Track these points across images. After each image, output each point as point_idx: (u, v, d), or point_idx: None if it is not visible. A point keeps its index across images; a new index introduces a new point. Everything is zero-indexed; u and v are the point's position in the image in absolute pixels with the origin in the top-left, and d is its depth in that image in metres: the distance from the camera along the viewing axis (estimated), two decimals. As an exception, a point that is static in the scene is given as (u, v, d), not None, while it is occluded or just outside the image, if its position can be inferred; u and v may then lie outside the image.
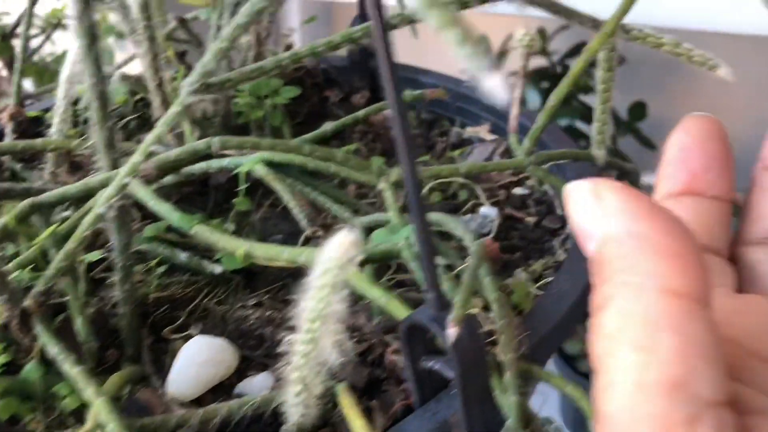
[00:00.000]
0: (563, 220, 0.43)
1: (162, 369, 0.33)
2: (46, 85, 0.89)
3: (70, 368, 0.29)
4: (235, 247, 0.35)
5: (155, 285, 0.37)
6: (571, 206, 0.18)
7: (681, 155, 0.25)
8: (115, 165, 0.34)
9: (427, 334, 0.28)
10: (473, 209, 0.44)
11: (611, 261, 0.17)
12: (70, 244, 0.31)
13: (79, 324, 0.32)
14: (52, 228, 0.32)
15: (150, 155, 0.33)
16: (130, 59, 0.50)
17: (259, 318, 0.36)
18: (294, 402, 0.28)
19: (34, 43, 0.98)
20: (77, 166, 0.50)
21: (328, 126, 0.50)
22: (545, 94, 0.81)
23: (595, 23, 0.33)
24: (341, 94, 0.58)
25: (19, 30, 0.96)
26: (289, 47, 0.56)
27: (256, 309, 0.36)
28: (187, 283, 0.38)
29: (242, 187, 0.40)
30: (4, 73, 1.07)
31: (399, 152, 0.25)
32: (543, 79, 0.80)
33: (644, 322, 0.16)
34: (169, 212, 0.37)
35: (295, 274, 0.39)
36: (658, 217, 0.17)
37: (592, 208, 0.18)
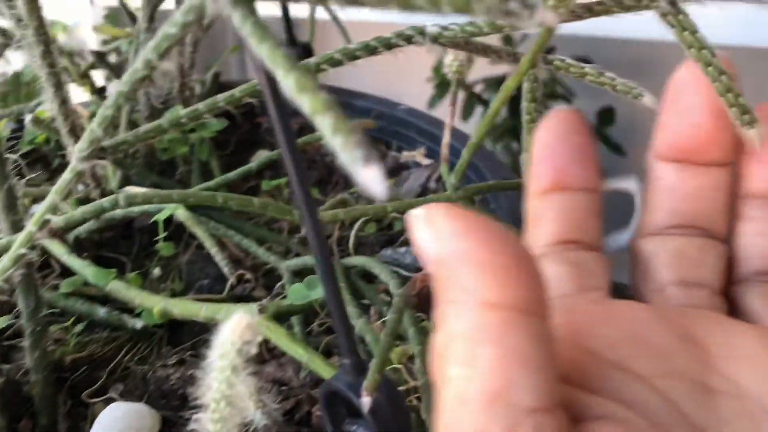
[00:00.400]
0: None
1: (79, 438, 0.32)
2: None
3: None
4: (152, 304, 0.33)
5: (73, 345, 0.36)
6: (412, 233, 0.18)
7: (545, 152, 0.25)
8: (16, 228, 0.32)
9: (338, 399, 0.27)
10: (406, 242, 0.43)
11: (442, 282, 0.18)
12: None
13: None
14: None
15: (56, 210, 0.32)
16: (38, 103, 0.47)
17: (181, 377, 0.34)
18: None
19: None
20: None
21: (262, 155, 0.49)
22: (510, 103, 0.81)
23: (515, 57, 0.32)
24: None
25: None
26: (216, 76, 0.54)
27: (179, 367, 0.35)
28: (107, 340, 0.36)
29: (162, 235, 0.38)
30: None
31: (302, 213, 0.23)
32: (496, 87, 0.79)
33: (465, 337, 0.17)
34: (83, 267, 0.35)
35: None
36: (482, 233, 0.17)
37: (426, 232, 0.18)
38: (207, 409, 0.24)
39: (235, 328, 0.22)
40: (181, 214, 0.39)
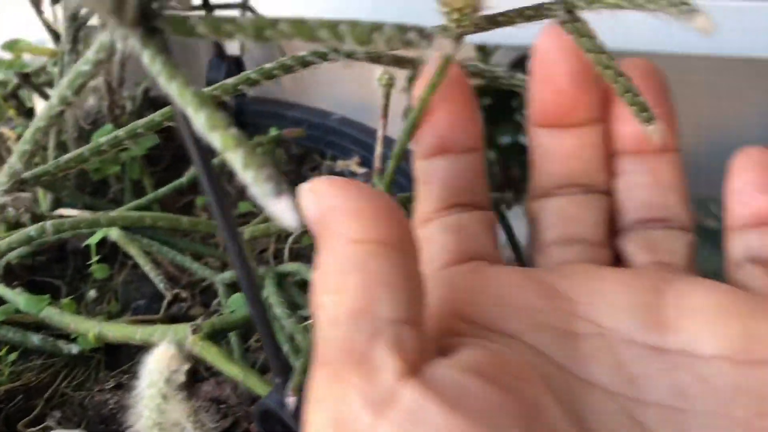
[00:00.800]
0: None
1: (16, 470, 0.32)
2: None
3: None
4: (87, 329, 0.33)
5: (7, 375, 0.35)
6: (302, 206, 0.20)
7: (426, 116, 0.26)
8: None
9: (271, 419, 0.28)
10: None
11: (319, 235, 0.20)
12: None
13: None
14: None
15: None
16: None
17: (119, 402, 0.34)
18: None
19: None
20: None
21: (183, 179, 0.48)
22: (487, 112, 0.81)
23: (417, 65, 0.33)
24: (207, 134, 0.56)
25: None
26: (146, 91, 0.54)
27: (117, 391, 0.35)
28: (42, 367, 0.36)
29: (95, 258, 0.38)
30: None
31: (219, 225, 0.24)
32: (484, 95, 0.80)
33: (335, 269, 0.19)
34: (14, 296, 0.35)
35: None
36: (353, 191, 0.20)
37: (310, 200, 0.20)
38: (141, 436, 0.25)
39: (161, 358, 0.22)
40: (114, 233, 0.39)
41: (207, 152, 0.22)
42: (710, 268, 0.27)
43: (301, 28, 0.19)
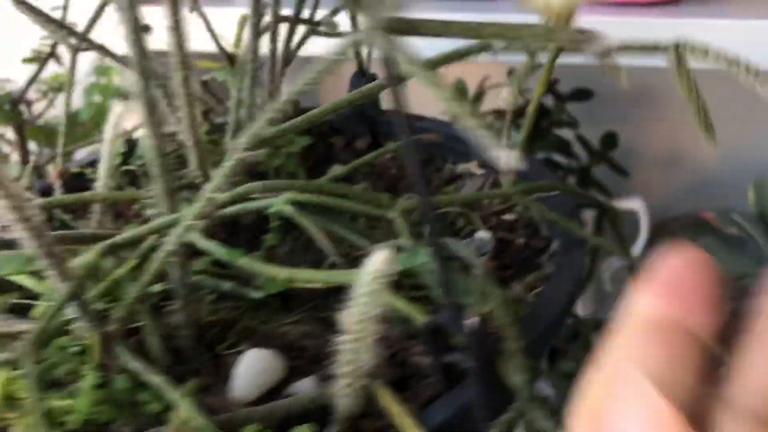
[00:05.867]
0: (548, 240, 0.50)
1: (220, 379, 0.40)
2: (51, 145, 0.97)
3: (154, 378, 0.36)
4: (278, 274, 0.41)
5: (207, 311, 0.44)
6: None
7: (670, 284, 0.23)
8: (174, 210, 0.40)
9: (446, 334, 0.35)
10: (470, 234, 0.51)
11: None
12: (146, 277, 0.38)
13: (154, 343, 0.38)
14: (130, 263, 0.39)
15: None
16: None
17: (298, 333, 0.42)
18: (342, 395, 0.34)
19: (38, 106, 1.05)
20: (119, 215, 0.56)
21: (337, 170, 0.57)
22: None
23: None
24: (345, 141, 0.65)
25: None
26: (296, 103, 0.63)
27: (296, 325, 0.43)
28: (232, 308, 0.45)
29: (274, 224, 0.47)
30: (11, 136, 1.14)
31: (416, 184, 0.32)
32: (519, 116, 0.88)
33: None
34: (217, 249, 0.44)
35: (323, 295, 0.46)
36: None
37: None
38: (346, 332, 0.33)
39: (380, 260, 0.30)
40: (288, 209, 0.47)
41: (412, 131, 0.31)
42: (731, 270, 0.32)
43: (504, 28, 0.27)
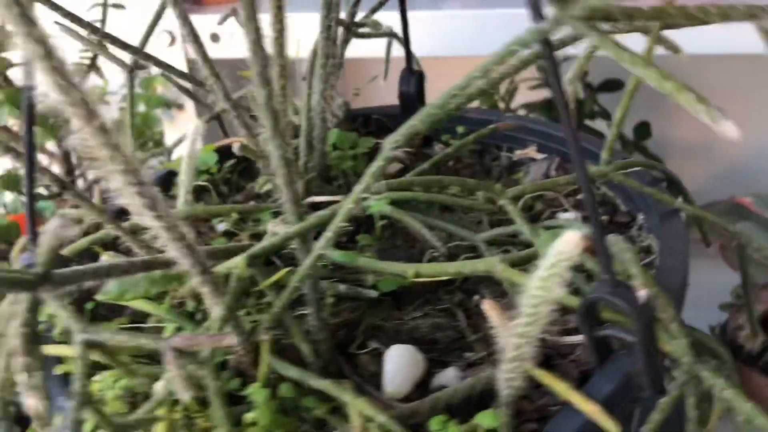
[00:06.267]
0: (631, 215, 0.52)
1: (363, 379, 0.40)
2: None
3: (319, 383, 0.36)
4: (403, 270, 0.42)
5: (329, 313, 0.44)
6: None
7: None
8: (301, 217, 0.41)
9: (597, 309, 0.36)
10: (550, 217, 0.53)
11: None
12: (294, 283, 0.38)
13: (305, 349, 0.39)
14: (282, 272, 0.40)
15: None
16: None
17: (427, 326, 0.43)
18: (507, 378, 0.35)
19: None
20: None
21: (396, 167, 0.58)
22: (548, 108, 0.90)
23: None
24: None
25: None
26: (347, 104, 0.64)
27: (423, 319, 0.44)
28: (350, 309, 0.45)
29: (379, 223, 0.48)
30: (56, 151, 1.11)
31: (576, 164, 0.33)
32: (555, 109, 0.90)
33: None
34: (331, 253, 0.44)
35: (433, 290, 0.47)
36: None
37: None
38: (521, 314, 0.34)
39: (570, 240, 0.30)
40: (387, 207, 0.48)
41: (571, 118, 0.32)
42: None
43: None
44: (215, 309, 0.36)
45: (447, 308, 0.45)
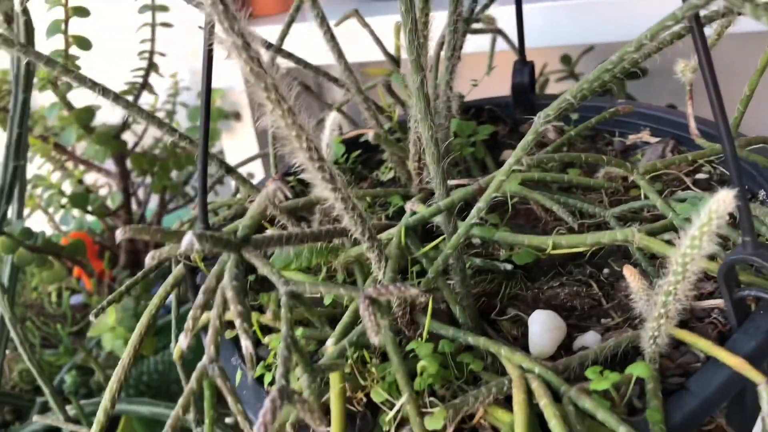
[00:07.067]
0: (751, 192, 0.53)
1: (508, 341, 0.43)
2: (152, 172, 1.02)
3: (475, 339, 0.39)
4: (543, 242, 0.45)
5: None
6: None
7: None
8: (447, 194, 0.44)
9: (735, 272, 0.39)
10: (670, 195, 0.55)
11: None
12: (449, 250, 0.42)
13: (458, 311, 0.42)
14: (439, 239, 0.43)
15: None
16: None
17: (565, 295, 0.46)
18: (651, 335, 0.38)
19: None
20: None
21: (508, 153, 0.61)
22: None
23: None
24: (507, 127, 0.69)
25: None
26: (461, 97, 0.68)
27: (561, 288, 0.47)
28: (488, 280, 0.48)
29: (510, 203, 0.51)
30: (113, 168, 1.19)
31: (721, 135, 0.36)
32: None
33: None
34: (464, 227, 0.48)
35: (562, 264, 0.50)
36: None
37: None
38: (670, 272, 0.36)
39: (723, 200, 0.33)
40: (515, 186, 0.51)
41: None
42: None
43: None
44: (381, 273, 0.40)
45: (579, 279, 0.47)
